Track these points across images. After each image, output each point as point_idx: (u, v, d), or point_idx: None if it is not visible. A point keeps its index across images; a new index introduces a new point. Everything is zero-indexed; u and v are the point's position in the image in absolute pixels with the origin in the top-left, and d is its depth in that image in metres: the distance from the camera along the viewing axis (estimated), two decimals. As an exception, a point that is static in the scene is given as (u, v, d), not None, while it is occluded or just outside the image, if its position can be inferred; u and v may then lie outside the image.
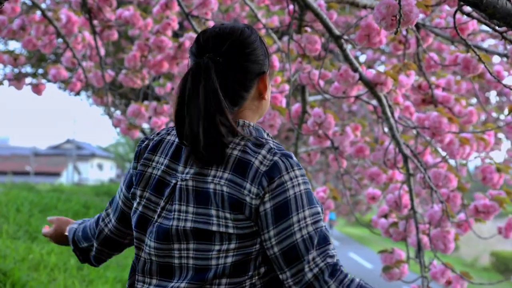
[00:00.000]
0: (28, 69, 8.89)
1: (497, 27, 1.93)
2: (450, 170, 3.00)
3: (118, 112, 12.42)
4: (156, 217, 1.22)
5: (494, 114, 5.49)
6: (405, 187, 3.05)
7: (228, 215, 1.15)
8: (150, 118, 4.33)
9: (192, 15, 3.33)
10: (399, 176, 3.34)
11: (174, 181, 1.21)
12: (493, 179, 3.02)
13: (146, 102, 4.30)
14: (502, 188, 3.08)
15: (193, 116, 1.15)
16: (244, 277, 1.18)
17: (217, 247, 1.16)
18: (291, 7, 3.22)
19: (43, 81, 4.30)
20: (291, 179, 1.16)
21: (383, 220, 3.16)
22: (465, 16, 3.03)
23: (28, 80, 4.34)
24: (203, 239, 1.16)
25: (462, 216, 3.05)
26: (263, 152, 1.18)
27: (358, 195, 8.40)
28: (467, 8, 2.44)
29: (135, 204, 1.26)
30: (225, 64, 1.20)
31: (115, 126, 4.52)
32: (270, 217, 1.15)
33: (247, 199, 1.15)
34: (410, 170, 2.90)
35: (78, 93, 11.61)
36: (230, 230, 1.15)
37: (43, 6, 3.92)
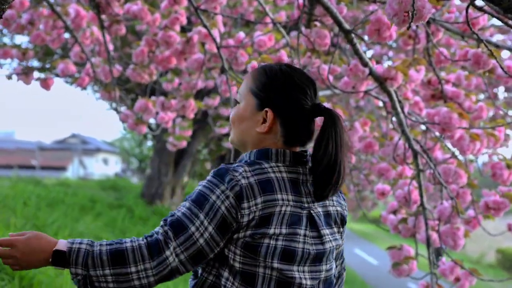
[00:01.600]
0: (35, 63, 8.89)
1: (510, 21, 1.92)
2: (459, 166, 2.98)
3: (123, 107, 12.41)
4: (302, 246, 1.32)
5: (502, 110, 5.45)
6: (415, 183, 3.03)
7: (341, 229, 1.44)
8: (157, 113, 4.33)
9: (200, 9, 3.32)
10: (409, 172, 3.32)
11: (305, 212, 1.34)
12: (503, 175, 3.00)
13: (153, 98, 4.29)
14: (512, 184, 3.07)
15: (343, 157, 1.35)
16: None
17: (334, 257, 1.41)
18: (300, 1, 3.20)
19: (50, 75, 4.30)
20: None
21: (392, 216, 3.15)
22: (475, 11, 3.00)
23: (36, 75, 4.33)
24: (333, 255, 1.41)
25: (471, 212, 3.03)
26: None
27: (365, 190, 8.38)
28: (478, 3, 2.42)
29: (268, 240, 1.29)
30: None
31: (123, 121, 4.52)
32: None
33: (345, 213, 1.45)
34: (420, 166, 2.89)
35: (84, 88, 11.63)
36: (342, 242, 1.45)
37: (52, 0, 3.91)
